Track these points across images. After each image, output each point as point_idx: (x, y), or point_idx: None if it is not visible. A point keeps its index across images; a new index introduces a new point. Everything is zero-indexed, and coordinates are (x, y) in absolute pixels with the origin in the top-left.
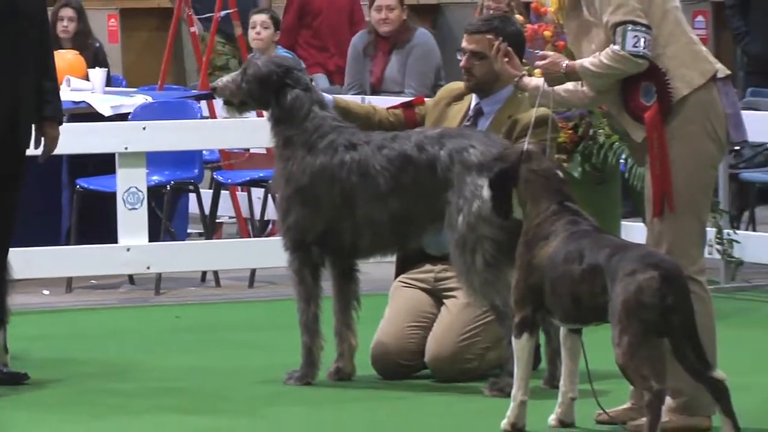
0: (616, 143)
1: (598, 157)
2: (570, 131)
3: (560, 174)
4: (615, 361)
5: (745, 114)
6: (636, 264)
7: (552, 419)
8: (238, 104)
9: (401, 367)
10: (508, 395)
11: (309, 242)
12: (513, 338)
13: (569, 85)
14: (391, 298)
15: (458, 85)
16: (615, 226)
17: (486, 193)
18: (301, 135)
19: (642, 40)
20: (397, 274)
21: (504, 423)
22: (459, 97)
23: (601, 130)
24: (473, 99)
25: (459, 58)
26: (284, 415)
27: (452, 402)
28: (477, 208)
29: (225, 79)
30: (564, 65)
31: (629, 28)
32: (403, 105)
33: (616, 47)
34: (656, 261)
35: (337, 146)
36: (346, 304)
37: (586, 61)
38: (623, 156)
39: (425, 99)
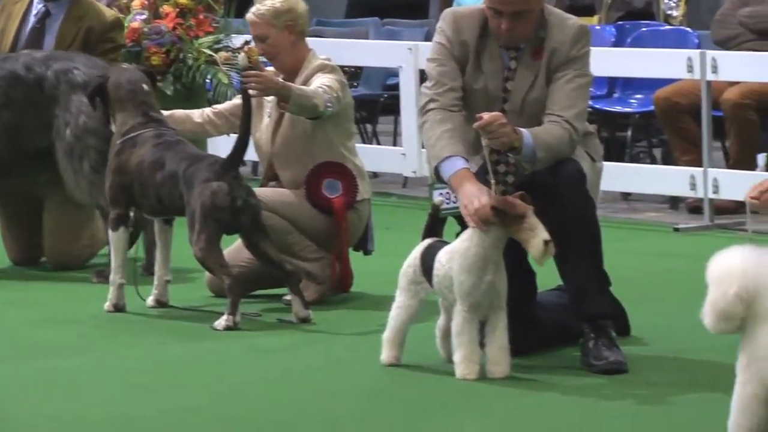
0: (203, 66)
1: (187, 77)
2: (163, 55)
3: (145, 87)
4: (194, 255)
5: None
6: (209, 173)
7: (150, 300)
8: None
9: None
10: None
11: None
12: (110, 231)
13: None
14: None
15: None
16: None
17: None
18: None
19: None
20: None
21: (107, 305)
22: None
23: (190, 54)
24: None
25: None
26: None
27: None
28: (83, 122)
29: None
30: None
31: None
32: None
33: None
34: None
35: None
36: None
37: None
38: (209, 77)
39: None
